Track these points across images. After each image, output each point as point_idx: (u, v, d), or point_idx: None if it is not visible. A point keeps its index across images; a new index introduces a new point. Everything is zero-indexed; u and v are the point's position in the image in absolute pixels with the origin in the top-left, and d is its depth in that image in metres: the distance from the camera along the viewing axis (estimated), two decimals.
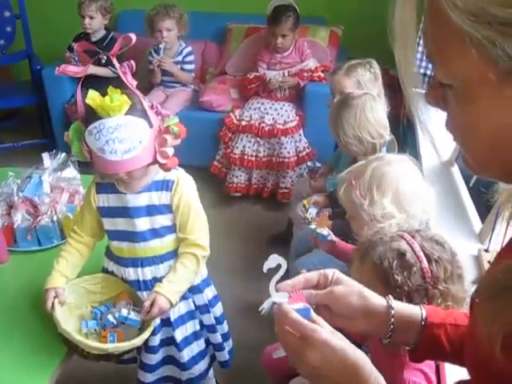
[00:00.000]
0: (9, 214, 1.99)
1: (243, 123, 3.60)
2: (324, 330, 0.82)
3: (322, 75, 3.65)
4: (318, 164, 2.81)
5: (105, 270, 1.80)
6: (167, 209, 1.65)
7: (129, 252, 1.71)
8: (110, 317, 1.61)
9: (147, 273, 1.72)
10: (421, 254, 1.16)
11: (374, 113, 2.14)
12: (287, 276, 0.95)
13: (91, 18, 3.77)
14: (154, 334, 1.71)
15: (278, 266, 0.93)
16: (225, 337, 1.98)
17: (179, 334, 1.81)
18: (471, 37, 0.53)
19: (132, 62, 1.53)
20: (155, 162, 1.54)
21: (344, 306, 0.92)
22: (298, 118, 3.62)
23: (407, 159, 1.67)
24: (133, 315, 1.60)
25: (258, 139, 3.59)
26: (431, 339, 0.95)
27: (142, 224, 1.65)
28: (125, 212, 1.65)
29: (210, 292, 1.90)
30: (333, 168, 2.70)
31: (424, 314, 0.96)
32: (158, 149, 1.52)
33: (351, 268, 1.31)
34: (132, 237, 1.68)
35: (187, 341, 1.85)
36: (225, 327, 1.98)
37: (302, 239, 2.48)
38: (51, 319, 1.57)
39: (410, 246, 1.18)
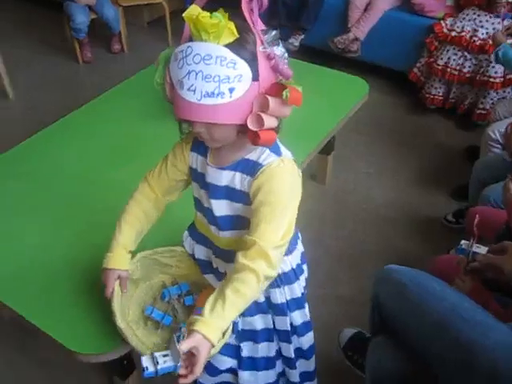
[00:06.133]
0: None
1: (453, 34, 3.39)
2: None
3: None
4: None
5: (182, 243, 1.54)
6: (247, 198, 1.23)
7: (206, 230, 1.40)
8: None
9: (219, 264, 1.41)
10: None
11: None
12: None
13: None
14: None
15: None
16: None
17: (245, 351, 1.50)
18: None
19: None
20: (244, 126, 1.10)
21: None
22: None
23: None
24: (166, 362, 1.09)
25: (466, 53, 3.37)
26: None
27: (220, 208, 1.29)
28: (205, 185, 1.31)
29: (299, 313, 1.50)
30: None
31: None
32: (254, 109, 1.09)
33: None
34: (211, 216, 1.33)
35: (253, 364, 1.52)
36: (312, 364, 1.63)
37: (490, 164, 2.40)
38: None
39: None
